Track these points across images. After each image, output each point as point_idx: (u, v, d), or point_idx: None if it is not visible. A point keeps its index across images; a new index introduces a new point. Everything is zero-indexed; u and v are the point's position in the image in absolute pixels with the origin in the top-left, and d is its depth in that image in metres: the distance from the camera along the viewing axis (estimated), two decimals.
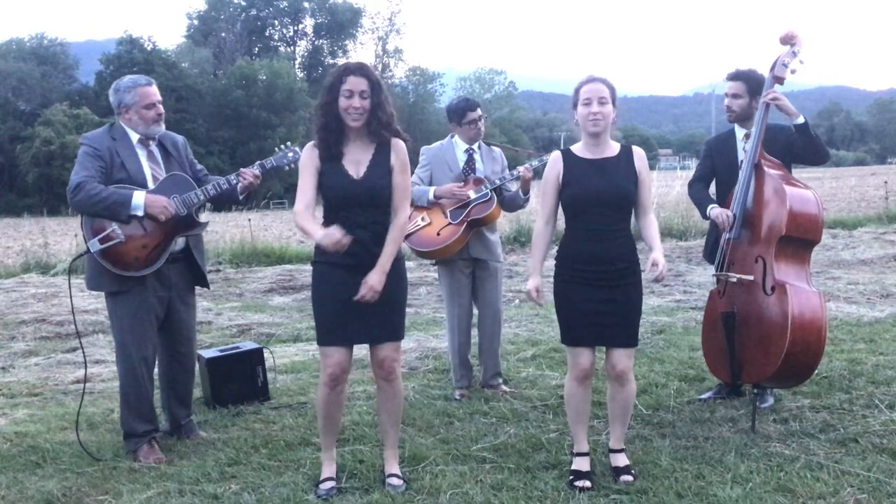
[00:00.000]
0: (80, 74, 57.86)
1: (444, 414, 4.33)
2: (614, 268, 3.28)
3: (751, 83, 4.20)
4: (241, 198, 4.01)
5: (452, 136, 4.81)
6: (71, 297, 4.17)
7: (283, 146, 4.05)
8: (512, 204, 4.76)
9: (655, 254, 3.28)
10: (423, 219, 4.61)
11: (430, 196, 4.59)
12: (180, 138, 4.08)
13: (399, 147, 3.33)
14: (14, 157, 44.50)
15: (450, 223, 4.55)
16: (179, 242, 3.87)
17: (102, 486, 3.45)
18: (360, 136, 3.30)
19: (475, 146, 4.77)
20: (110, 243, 3.63)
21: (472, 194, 4.58)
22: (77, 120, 43.63)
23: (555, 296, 3.40)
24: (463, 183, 4.64)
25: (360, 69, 3.25)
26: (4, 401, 4.99)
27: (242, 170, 3.96)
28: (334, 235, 3.08)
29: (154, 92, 3.84)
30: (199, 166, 4.09)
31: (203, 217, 4.03)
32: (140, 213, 3.64)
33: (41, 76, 51.30)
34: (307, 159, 3.31)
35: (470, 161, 4.74)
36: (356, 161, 3.28)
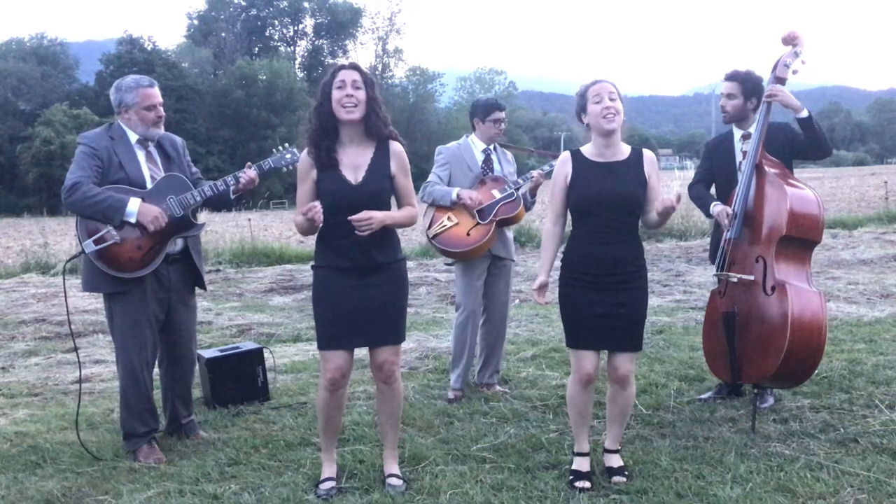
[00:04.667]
0: (80, 74, 57.84)
1: (444, 414, 4.33)
2: (620, 271, 3.26)
3: (746, 84, 4.21)
4: (232, 198, 3.98)
5: (468, 136, 4.82)
6: (66, 297, 4.16)
7: (281, 147, 4.01)
8: None
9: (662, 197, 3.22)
10: (449, 219, 4.56)
11: (454, 196, 4.55)
12: (179, 139, 4.06)
13: (397, 151, 3.31)
14: (14, 157, 44.49)
15: (479, 223, 4.53)
16: (178, 244, 3.85)
17: (102, 486, 3.45)
18: (356, 138, 3.27)
19: (491, 147, 4.78)
20: (105, 244, 3.61)
21: (497, 194, 4.59)
22: (77, 120, 43.60)
23: (560, 298, 3.38)
24: (482, 183, 4.65)
25: (350, 64, 3.28)
26: (4, 401, 4.99)
27: (239, 173, 3.92)
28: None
29: (155, 94, 3.82)
30: (194, 168, 4.07)
31: (200, 218, 4.01)
32: (133, 220, 3.61)
33: (41, 76, 51.28)
34: (304, 169, 3.28)
35: (487, 161, 4.75)
36: (354, 166, 3.25)
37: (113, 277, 3.65)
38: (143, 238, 3.66)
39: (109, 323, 3.86)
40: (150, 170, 3.80)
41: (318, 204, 3.11)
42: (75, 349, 4.61)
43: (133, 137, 3.80)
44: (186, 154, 4.06)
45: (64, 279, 4.26)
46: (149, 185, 3.76)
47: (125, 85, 3.81)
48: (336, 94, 3.18)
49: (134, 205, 3.61)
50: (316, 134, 3.24)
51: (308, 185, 3.28)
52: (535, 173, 4.64)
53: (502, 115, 4.73)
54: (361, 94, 3.19)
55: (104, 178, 3.67)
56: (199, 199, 3.81)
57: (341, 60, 64.23)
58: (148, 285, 3.74)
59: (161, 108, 3.83)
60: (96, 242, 3.61)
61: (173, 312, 3.90)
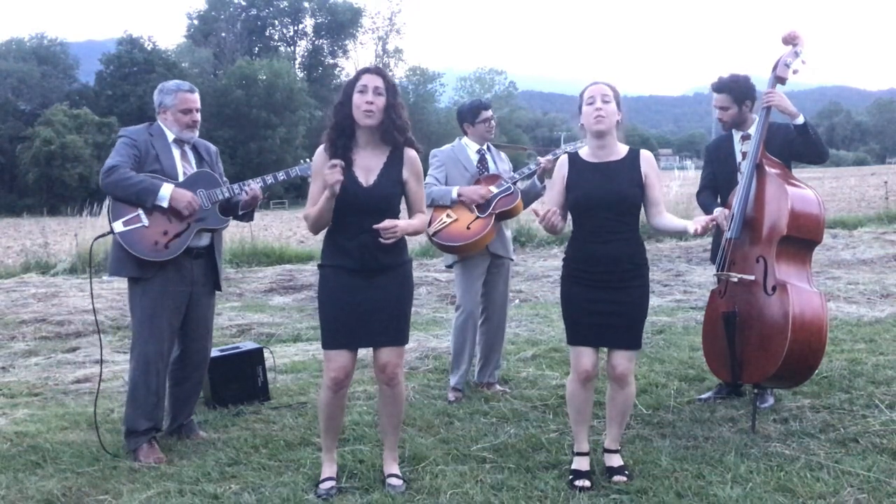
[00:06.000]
0: (80, 74, 57.76)
1: (444, 414, 4.33)
2: (619, 269, 3.29)
3: (735, 92, 4.23)
4: (240, 213, 4.06)
5: (461, 139, 4.85)
6: (91, 277, 4.19)
7: (308, 159, 4.09)
8: (528, 195, 4.80)
9: (694, 221, 3.29)
10: (448, 215, 4.58)
11: (454, 195, 4.58)
12: (213, 147, 4.20)
13: (412, 158, 3.33)
14: (14, 157, 44.47)
15: (478, 216, 4.55)
16: (205, 239, 3.94)
17: (102, 486, 3.45)
18: (371, 141, 3.28)
19: (485, 147, 4.81)
20: (133, 226, 3.75)
21: (494, 189, 4.61)
22: (77, 120, 43.57)
23: (561, 296, 3.44)
24: (478, 182, 4.66)
25: (376, 69, 3.30)
26: (4, 401, 4.99)
27: (249, 183, 4.00)
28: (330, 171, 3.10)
29: (194, 99, 3.98)
30: (225, 178, 4.16)
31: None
32: (165, 204, 3.75)
33: (41, 76, 51.21)
34: (319, 164, 3.29)
35: (482, 161, 4.79)
36: (367, 168, 3.26)
37: (138, 262, 3.75)
38: (170, 224, 3.79)
39: (132, 311, 3.94)
40: (183, 166, 3.94)
41: (340, 165, 3.11)
42: (99, 337, 4.63)
43: (170, 136, 3.95)
44: (219, 163, 4.19)
45: (91, 256, 4.30)
46: (180, 179, 3.88)
47: (167, 87, 4.01)
48: (356, 99, 3.20)
49: (167, 189, 3.76)
50: (333, 131, 3.27)
51: (321, 181, 3.28)
52: (542, 160, 4.69)
53: (489, 113, 4.79)
54: (381, 101, 3.20)
55: (140, 168, 3.81)
56: (227, 195, 3.96)
57: (348, 59, 64.03)
58: (170, 277, 3.81)
59: (197, 114, 3.98)
60: (125, 224, 3.74)
61: (194, 307, 3.96)
